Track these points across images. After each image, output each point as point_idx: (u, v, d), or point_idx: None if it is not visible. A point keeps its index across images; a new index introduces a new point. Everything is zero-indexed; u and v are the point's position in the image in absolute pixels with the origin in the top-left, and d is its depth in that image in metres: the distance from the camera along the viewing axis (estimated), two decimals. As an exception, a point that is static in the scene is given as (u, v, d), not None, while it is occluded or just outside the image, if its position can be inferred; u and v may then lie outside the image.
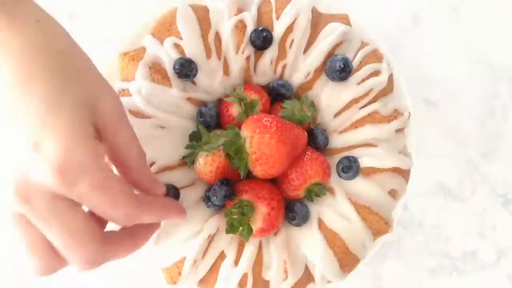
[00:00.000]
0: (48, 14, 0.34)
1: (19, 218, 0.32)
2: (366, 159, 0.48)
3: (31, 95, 0.30)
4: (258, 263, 0.47)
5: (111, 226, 0.36)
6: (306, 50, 0.49)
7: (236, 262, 0.47)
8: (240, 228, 0.42)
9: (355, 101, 0.48)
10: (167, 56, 0.46)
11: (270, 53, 0.48)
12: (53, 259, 0.33)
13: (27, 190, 0.30)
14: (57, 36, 0.34)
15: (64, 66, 0.32)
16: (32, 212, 0.31)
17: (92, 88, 0.34)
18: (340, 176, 0.47)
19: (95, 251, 0.32)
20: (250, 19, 0.48)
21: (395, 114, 0.50)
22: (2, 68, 0.31)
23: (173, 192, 0.45)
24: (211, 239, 0.47)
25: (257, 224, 0.43)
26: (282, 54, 0.48)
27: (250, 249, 0.46)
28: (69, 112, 0.31)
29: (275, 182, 0.47)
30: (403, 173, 0.50)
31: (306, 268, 0.48)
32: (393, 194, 0.50)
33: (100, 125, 0.34)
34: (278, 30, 0.47)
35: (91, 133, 0.32)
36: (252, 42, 0.47)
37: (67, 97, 0.31)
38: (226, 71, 0.48)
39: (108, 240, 0.34)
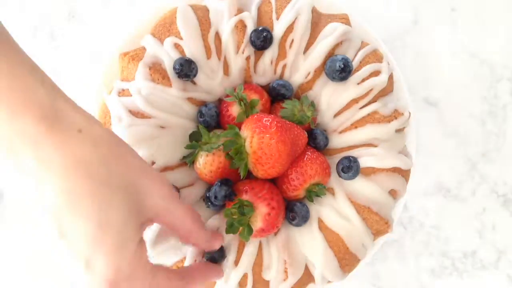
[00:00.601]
0: (93, 121, 0.34)
1: None
2: (366, 159, 0.48)
3: (79, 215, 0.31)
4: (258, 263, 0.47)
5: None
6: (306, 50, 0.49)
7: (236, 262, 0.47)
8: (240, 228, 0.42)
9: (355, 101, 0.48)
10: (167, 56, 0.46)
11: (270, 53, 0.48)
12: None
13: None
14: (99, 142, 0.33)
15: (109, 174, 0.32)
16: None
17: (138, 184, 0.34)
18: (340, 176, 0.47)
19: None
20: (250, 19, 0.48)
21: (395, 114, 0.50)
22: (46, 186, 0.31)
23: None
24: (211, 239, 0.47)
25: (257, 224, 0.43)
26: (282, 54, 0.48)
27: (250, 249, 0.46)
28: (116, 227, 0.32)
29: (275, 182, 0.47)
30: (403, 173, 0.50)
31: (306, 268, 0.48)
32: (393, 194, 0.50)
33: (151, 215, 0.35)
34: (278, 30, 0.47)
35: (137, 240, 0.34)
36: (252, 42, 0.47)
37: (114, 211, 0.32)
38: (226, 71, 0.48)
39: (186, 278, 0.39)
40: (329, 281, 0.49)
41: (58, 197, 0.31)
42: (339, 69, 0.46)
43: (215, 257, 0.45)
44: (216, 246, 0.43)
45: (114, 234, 0.32)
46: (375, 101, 0.48)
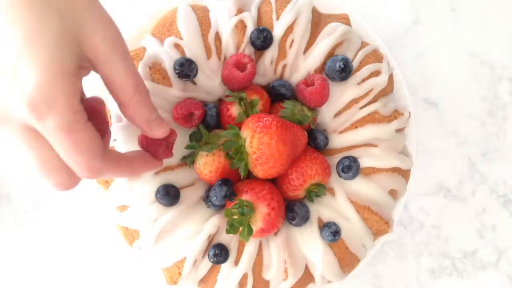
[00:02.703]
0: None
1: (30, 135, 0.32)
2: (366, 159, 0.48)
3: (13, 22, 0.30)
4: (258, 263, 0.47)
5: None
6: (306, 50, 0.49)
7: (236, 262, 0.47)
8: (240, 228, 0.42)
9: (355, 101, 0.48)
10: (167, 56, 0.46)
11: (270, 53, 0.48)
12: (67, 172, 0.33)
13: (5, 115, 0.31)
14: None
15: None
16: (44, 126, 0.31)
17: (79, 18, 0.32)
18: (340, 176, 0.47)
19: (96, 159, 0.33)
20: (250, 19, 0.48)
21: (395, 114, 0.50)
22: None
23: (173, 192, 0.45)
24: (211, 239, 0.47)
25: (257, 224, 0.43)
26: (282, 54, 0.48)
27: (250, 249, 0.46)
28: (49, 44, 0.30)
29: (275, 182, 0.47)
30: (403, 173, 0.50)
31: (306, 268, 0.48)
32: (393, 194, 0.50)
33: (90, 57, 0.33)
34: (278, 30, 0.47)
35: (71, 70, 0.31)
36: (252, 42, 0.47)
37: (49, 28, 0.30)
38: (226, 71, 0.48)
39: (108, 155, 0.34)
40: (329, 281, 0.49)
41: None
42: (339, 69, 0.46)
43: (220, 258, 0.45)
44: (157, 134, 0.38)
45: (45, 50, 0.30)
46: (375, 101, 0.48)
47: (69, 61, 0.31)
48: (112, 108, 0.47)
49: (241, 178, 0.43)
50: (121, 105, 0.36)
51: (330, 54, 0.48)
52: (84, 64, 0.33)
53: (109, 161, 0.34)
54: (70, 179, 0.34)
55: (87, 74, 0.35)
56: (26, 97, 0.30)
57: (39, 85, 0.30)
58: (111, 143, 0.47)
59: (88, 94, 0.39)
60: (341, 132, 0.49)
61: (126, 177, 0.38)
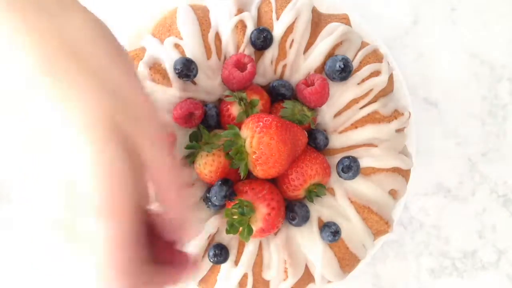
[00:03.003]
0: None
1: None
2: (366, 159, 0.48)
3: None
4: (258, 263, 0.47)
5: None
6: (306, 50, 0.49)
7: (236, 262, 0.47)
8: (240, 228, 0.42)
9: (355, 101, 0.48)
10: (167, 56, 0.46)
11: (270, 53, 0.48)
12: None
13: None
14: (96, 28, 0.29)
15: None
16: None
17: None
18: (340, 176, 0.47)
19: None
20: (250, 19, 0.48)
21: (395, 114, 0.50)
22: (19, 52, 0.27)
23: (173, 192, 0.45)
24: (211, 239, 0.47)
25: (257, 224, 0.43)
26: (282, 54, 0.48)
27: (250, 249, 0.46)
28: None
29: (275, 182, 0.47)
30: (403, 173, 0.50)
31: (306, 268, 0.48)
32: (393, 194, 0.50)
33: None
34: (278, 30, 0.47)
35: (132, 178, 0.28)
36: (252, 42, 0.47)
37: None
38: (226, 71, 0.48)
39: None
40: (329, 281, 0.49)
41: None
42: (339, 69, 0.46)
43: (220, 258, 0.45)
44: (186, 234, 0.33)
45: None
46: (375, 101, 0.48)
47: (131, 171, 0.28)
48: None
49: (241, 178, 0.43)
50: (157, 191, 0.33)
51: (330, 54, 0.48)
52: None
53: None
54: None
55: None
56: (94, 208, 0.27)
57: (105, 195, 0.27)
58: None
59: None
60: (341, 132, 0.49)
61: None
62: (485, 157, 0.61)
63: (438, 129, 0.61)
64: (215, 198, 0.44)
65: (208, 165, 0.45)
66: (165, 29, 0.48)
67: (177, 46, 0.47)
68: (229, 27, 0.47)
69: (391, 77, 0.50)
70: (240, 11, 0.48)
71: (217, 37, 0.48)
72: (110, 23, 0.62)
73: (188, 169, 0.36)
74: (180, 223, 0.33)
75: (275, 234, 0.47)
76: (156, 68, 0.47)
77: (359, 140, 0.48)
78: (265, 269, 0.47)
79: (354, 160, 0.47)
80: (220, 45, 0.48)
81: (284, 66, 0.49)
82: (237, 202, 0.43)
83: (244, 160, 0.43)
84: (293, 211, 0.46)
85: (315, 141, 0.48)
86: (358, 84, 0.48)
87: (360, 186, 0.48)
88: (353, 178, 0.47)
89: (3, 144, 0.31)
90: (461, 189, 0.61)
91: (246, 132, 0.43)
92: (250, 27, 0.47)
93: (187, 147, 0.46)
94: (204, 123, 0.47)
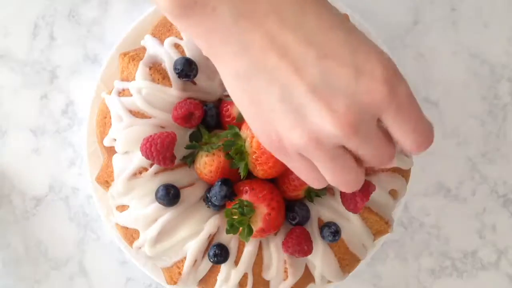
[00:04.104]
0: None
1: (339, 152, 0.32)
2: (366, 159, 0.48)
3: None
4: (258, 263, 0.47)
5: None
6: (306, 50, 0.48)
7: (236, 262, 0.47)
8: (240, 228, 0.42)
9: (355, 101, 0.48)
10: (167, 56, 0.46)
11: (270, 53, 0.48)
12: (363, 173, 0.35)
13: (355, 122, 0.30)
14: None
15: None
16: (357, 141, 0.30)
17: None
18: (340, 176, 0.47)
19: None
20: (250, 19, 0.47)
21: (395, 114, 0.49)
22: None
23: (173, 192, 0.45)
24: (211, 239, 0.47)
25: (257, 224, 0.43)
26: (282, 54, 0.48)
27: (250, 249, 0.46)
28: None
29: (275, 182, 0.47)
30: (403, 173, 0.50)
31: (306, 268, 0.48)
32: (393, 194, 0.50)
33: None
34: (278, 30, 0.47)
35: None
36: (252, 42, 0.47)
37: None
38: (226, 71, 0.48)
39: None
40: (329, 281, 0.49)
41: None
42: (339, 69, 0.46)
43: (220, 258, 0.45)
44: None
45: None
46: (375, 101, 0.48)
47: None
48: (112, 107, 0.47)
49: (241, 178, 0.43)
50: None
51: (330, 54, 0.48)
52: None
53: None
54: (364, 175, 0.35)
55: None
56: (381, 80, 0.30)
57: (386, 68, 0.31)
58: (111, 143, 0.47)
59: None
60: (341, 132, 0.49)
61: None
62: (485, 157, 0.61)
63: (438, 129, 0.61)
64: (215, 198, 0.44)
65: (208, 165, 0.45)
66: (165, 29, 0.48)
67: (177, 46, 0.47)
68: (229, 27, 0.47)
69: (391, 77, 0.50)
70: (240, 11, 0.48)
71: (217, 37, 0.48)
72: (111, 23, 0.62)
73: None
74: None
75: (275, 234, 0.47)
76: (156, 68, 0.47)
77: (359, 140, 0.48)
78: (265, 269, 0.47)
79: (354, 160, 0.47)
80: (220, 45, 0.48)
81: (284, 66, 0.48)
82: (237, 202, 0.43)
83: (244, 160, 0.43)
84: (293, 211, 0.46)
85: (315, 141, 0.47)
86: (358, 84, 0.48)
87: (360, 186, 0.48)
88: (353, 178, 0.47)
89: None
90: (461, 189, 0.61)
91: (246, 132, 0.43)
92: (250, 27, 0.47)
93: (187, 147, 0.46)
94: (204, 123, 0.47)
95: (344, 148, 0.32)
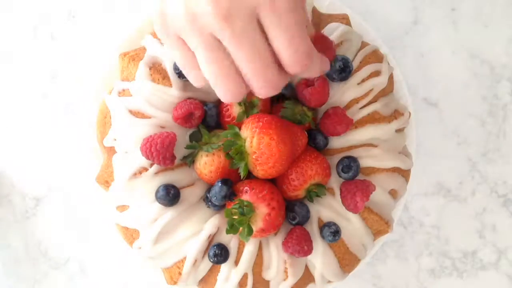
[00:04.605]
0: None
1: (215, 44, 0.32)
2: (366, 159, 0.48)
3: None
4: (258, 263, 0.47)
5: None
6: (306, 50, 0.49)
7: (236, 262, 0.47)
8: (240, 228, 0.42)
9: (355, 101, 0.48)
10: (168, 56, 0.46)
11: (270, 53, 0.48)
12: (241, 83, 0.34)
13: (229, 8, 0.31)
14: None
15: None
16: (229, 32, 0.31)
17: None
18: (340, 176, 0.47)
19: (277, 74, 0.34)
20: (250, 19, 0.47)
21: (395, 114, 0.50)
22: None
23: (173, 192, 0.45)
24: (211, 239, 0.47)
25: (257, 224, 0.43)
26: (282, 54, 0.48)
27: (250, 249, 0.46)
28: None
29: (275, 182, 0.47)
30: (403, 173, 0.50)
31: (306, 268, 0.48)
32: (393, 194, 0.50)
33: None
34: (278, 30, 0.47)
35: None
36: (252, 42, 0.47)
37: None
38: (226, 71, 0.48)
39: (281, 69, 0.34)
40: (329, 281, 0.49)
41: None
42: (339, 69, 0.46)
43: (220, 258, 0.45)
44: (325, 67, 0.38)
45: None
46: (375, 101, 0.48)
47: None
48: (112, 107, 0.47)
49: (241, 178, 0.43)
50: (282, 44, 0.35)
51: (330, 54, 0.48)
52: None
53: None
54: (244, 88, 0.35)
55: None
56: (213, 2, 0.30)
57: None
58: (111, 143, 0.47)
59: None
60: (341, 132, 0.49)
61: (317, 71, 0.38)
62: (485, 157, 0.61)
63: (438, 129, 0.61)
64: (215, 198, 0.44)
65: (208, 165, 0.45)
66: (165, 29, 0.48)
67: (177, 46, 0.47)
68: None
69: (391, 77, 0.50)
70: (240, 11, 0.48)
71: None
72: (111, 23, 0.62)
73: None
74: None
75: (275, 234, 0.47)
76: (156, 68, 0.47)
77: (359, 140, 0.48)
78: (265, 269, 0.47)
79: (354, 160, 0.47)
80: (220, 45, 0.48)
81: (284, 66, 0.48)
82: (237, 202, 0.43)
83: (244, 160, 0.43)
84: (293, 211, 0.46)
85: (315, 141, 0.48)
86: (358, 84, 0.48)
87: (360, 186, 0.48)
88: (353, 178, 0.47)
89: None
90: (461, 189, 0.61)
91: (246, 132, 0.43)
92: (250, 27, 0.47)
93: (187, 147, 0.46)
94: (204, 123, 0.47)
95: (222, 45, 0.32)
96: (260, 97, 0.35)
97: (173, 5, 0.33)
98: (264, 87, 0.34)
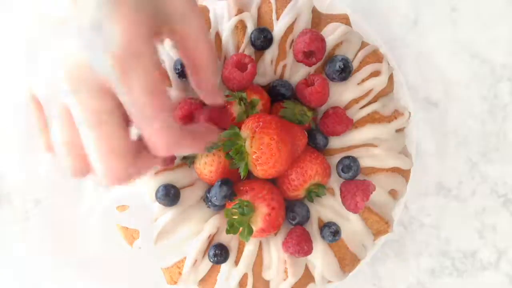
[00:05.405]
0: None
1: (64, 112, 0.30)
2: (366, 159, 0.48)
3: None
4: (258, 263, 0.47)
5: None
6: (306, 50, 0.49)
7: (236, 262, 0.47)
8: (240, 228, 0.42)
9: (355, 101, 0.48)
10: (167, 56, 0.46)
11: (270, 53, 0.48)
12: (85, 163, 0.32)
13: (79, 76, 0.29)
14: None
15: None
16: (78, 104, 0.29)
17: None
18: (340, 176, 0.47)
19: (124, 168, 0.31)
20: (250, 19, 0.48)
21: (395, 114, 0.50)
22: None
23: (173, 192, 0.45)
24: (211, 239, 0.47)
25: (257, 224, 0.43)
26: (282, 54, 0.48)
27: (250, 249, 0.46)
28: (130, 1, 0.29)
29: (275, 182, 0.47)
30: (403, 173, 0.50)
31: (306, 268, 0.48)
32: (393, 194, 0.50)
33: (167, 16, 0.31)
34: (278, 30, 0.47)
35: (151, 27, 0.30)
36: (252, 42, 0.47)
37: None
38: (226, 71, 0.48)
39: (139, 157, 0.32)
40: (329, 281, 0.49)
41: None
42: (339, 70, 0.46)
43: (220, 258, 0.45)
44: (218, 99, 0.39)
45: (127, 5, 0.28)
46: (375, 101, 0.48)
47: (151, 18, 0.30)
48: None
49: (241, 178, 0.43)
50: (192, 68, 0.35)
51: (330, 55, 0.48)
52: (159, 32, 0.32)
53: (189, 130, 0.34)
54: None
55: (160, 42, 0.34)
56: (110, 49, 0.28)
57: (126, 37, 0.28)
58: None
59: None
60: (341, 132, 0.49)
61: (193, 151, 0.36)
62: (485, 157, 0.61)
63: (438, 129, 0.61)
64: (215, 198, 0.44)
65: (208, 165, 0.45)
66: (165, 29, 0.48)
67: (177, 46, 0.47)
68: (229, 27, 0.47)
69: (391, 77, 0.50)
70: (240, 11, 0.48)
71: (217, 37, 0.48)
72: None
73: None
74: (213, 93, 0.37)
75: (275, 234, 0.47)
76: (156, 68, 0.47)
77: (359, 140, 0.48)
78: (265, 269, 0.47)
79: (354, 160, 0.47)
80: (220, 45, 0.48)
81: (284, 66, 0.49)
82: (237, 202, 0.43)
83: (244, 160, 0.43)
84: (293, 211, 0.46)
85: (315, 141, 0.48)
86: (358, 84, 0.48)
87: (360, 186, 0.48)
88: (353, 178, 0.47)
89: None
90: (461, 189, 0.61)
91: (246, 132, 0.43)
92: (250, 27, 0.47)
93: (187, 147, 0.46)
94: (204, 123, 0.47)
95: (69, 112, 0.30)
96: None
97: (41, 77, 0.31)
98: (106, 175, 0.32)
